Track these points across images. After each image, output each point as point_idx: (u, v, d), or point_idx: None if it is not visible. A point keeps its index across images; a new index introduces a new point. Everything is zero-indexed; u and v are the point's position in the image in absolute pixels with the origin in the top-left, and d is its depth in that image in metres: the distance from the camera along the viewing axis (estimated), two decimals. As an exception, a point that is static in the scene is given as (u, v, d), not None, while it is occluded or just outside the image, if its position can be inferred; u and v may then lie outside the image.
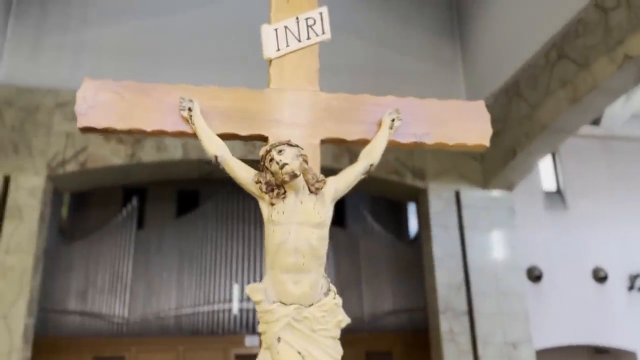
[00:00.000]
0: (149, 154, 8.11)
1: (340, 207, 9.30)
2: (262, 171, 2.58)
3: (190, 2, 8.69)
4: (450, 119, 2.88)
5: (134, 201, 8.76)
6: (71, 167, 8.04)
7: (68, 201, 9.17)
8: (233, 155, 2.67)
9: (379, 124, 2.82)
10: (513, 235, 8.31)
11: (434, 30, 8.95)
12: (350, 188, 2.69)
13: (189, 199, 9.39)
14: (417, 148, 2.88)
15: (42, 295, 8.08)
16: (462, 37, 9.02)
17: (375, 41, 8.64)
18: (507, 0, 8.23)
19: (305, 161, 2.54)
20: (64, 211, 9.11)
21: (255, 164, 2.64)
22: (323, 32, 2.90)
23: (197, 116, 2.71)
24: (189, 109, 2.71)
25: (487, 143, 2.89)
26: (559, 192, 9.08)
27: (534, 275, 8.62)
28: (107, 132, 2.70)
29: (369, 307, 8.65)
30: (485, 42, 8.59)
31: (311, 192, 2.56)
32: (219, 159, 2.64)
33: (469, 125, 2.88)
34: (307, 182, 2.56)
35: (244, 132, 2.75)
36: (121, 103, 2.71)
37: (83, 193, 9.25)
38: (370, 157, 2.75)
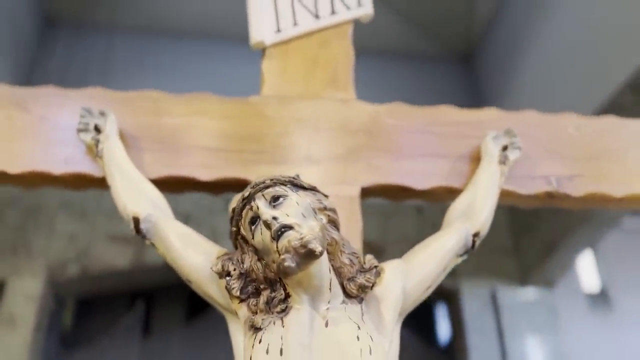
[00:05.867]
0: (155, 254, 6.56)
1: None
2: (237, 248, 0.99)
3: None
4: (607, 149, 1.29)
5: (140, 306, 7.09)
6: (72, 271, 6.54)
7: (72, 307, 7.53)
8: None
9: (476, 158, 1.25)
10: (557, 340, 6.48)
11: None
12: (434, 287, 1.05)
13: (198, 303, 7.68)
14: (552, 205, 1.27)
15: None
16: (485, 130, 7.63)
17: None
18: (532, 89, 6.91)
19: (334, 223, 0.94)
20: (67, 318, 7.44)
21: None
22: (359, 4, 1.39)
23: (110, 140, 1.12)
24: (96, 129, 1.16)
25: (684, 194, 1.28)
26: (602, 292, 7.28)
27: (584, 387, 6.62)
28: None
29: None
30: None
31: (349, 295, 0.92)
32: (143, 224, 1.04)
33: (642, 160, 1.29)
34: (338, 272, 0.93)
35: (206, 175, 1.17)
36: (-30, 123, 1.16)
37: (88, 299, 7.66)
38: (471, 219, 1.10)
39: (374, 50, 7.18)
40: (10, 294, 6.39)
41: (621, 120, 1.33)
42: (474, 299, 6.48)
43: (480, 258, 6.67)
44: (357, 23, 1.40)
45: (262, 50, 1.32)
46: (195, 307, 7.71)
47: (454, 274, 5.74)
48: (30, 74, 7.09)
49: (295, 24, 1.34)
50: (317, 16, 1.35)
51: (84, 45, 7.21)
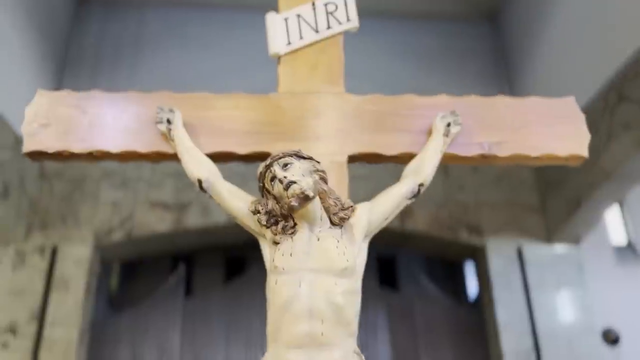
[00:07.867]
0: (194, 219, 7.35)
1: (391, 267, 8.10)
2: (263, 197, 1.66)
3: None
4: (529, 122, 1.89)
5: (181, 268, 7.91)
6: (117, 237, 7.37)
7: (118, 271, 8.43)
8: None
9: (430, 132, 1.88)
10: (584, 294, 6.98)
11: (480, 85, 7.97)
12: (390, 219, 1.72)
13: (236, 265, 8.48)
14: (484, 164, 1.90)
15: (88, 370, 7.21)
16: (513, 90, 8.02)
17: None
18: (558, 47, 7.27)
19: (323, 179, 1.60)
20: (114, 281, 8.35)
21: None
22: (348, 19, 2.01)
23: (178, 129, 1.82)
24: (168, 121, 1.84)
25: (585, 153, 1.88)
26: (629, 245, 7.71)
27: (611, 339, 7.15)
28: (61, 157, 1.84)
29: (429, 378, 7.32)
30: (538, 94, 7.57)
31: (333, 224, 1.60)
32: (204, 184, 1.73)
33: (556, 129, 1.89)
34: (326, 209, 1.60)
35: (242, 150, 1.84)
36: (82, 119, 1.85)
37: (133, 262, 8.52)
38: (419, 174, 1.77)
39: (400, 12, 7.64)
40: (61, 259, 7.18)
41: (541, 99, 1.91)
42: (500, 256, 7.02)
43: (506, 215, 7.23)
44: None
45: (277, 59, 1.96)
46: (232, 269, 8.54)
47: (480, 232, 6.28)
48: (65, 50, 7.82)
49: (300, 37, 1.97)
50: (316, 31, 1.98)
51: (116, 21, 7.87)
